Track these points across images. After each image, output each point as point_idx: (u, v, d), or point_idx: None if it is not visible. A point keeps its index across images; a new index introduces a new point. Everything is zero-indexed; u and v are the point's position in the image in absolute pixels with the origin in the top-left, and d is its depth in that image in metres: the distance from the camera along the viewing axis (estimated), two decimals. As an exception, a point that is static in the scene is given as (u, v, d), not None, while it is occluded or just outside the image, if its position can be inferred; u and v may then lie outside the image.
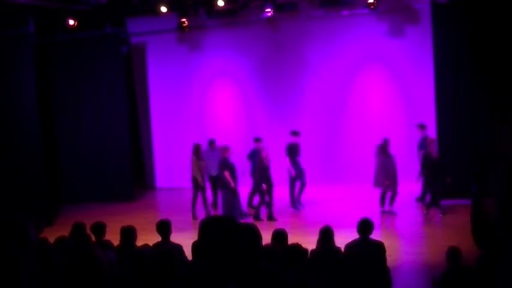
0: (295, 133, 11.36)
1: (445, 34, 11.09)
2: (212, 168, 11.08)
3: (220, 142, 11.75)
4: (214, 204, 11.31)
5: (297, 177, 11.10)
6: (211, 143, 11.47)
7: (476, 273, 4.27)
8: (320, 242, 5.81)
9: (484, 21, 10.64)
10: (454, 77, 11.14)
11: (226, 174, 10.37)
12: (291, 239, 5.63)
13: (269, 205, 10.54)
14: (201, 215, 10.52)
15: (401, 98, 13.17)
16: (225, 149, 10.67)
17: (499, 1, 10.61)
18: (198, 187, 10.99)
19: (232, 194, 10.43)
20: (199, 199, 11.04)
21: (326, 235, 5.75)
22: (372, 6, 11.54)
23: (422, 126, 11.27)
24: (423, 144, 10.76)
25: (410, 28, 12.73)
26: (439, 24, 11.12)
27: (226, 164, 10.49)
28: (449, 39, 11.06)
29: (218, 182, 10.75)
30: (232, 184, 10.35)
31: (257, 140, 11.21)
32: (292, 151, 11.12)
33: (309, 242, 5.99)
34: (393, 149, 12.95)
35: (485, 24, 10.63)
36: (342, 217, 10.42)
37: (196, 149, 11.05)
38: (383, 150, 10.58)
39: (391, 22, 12.83)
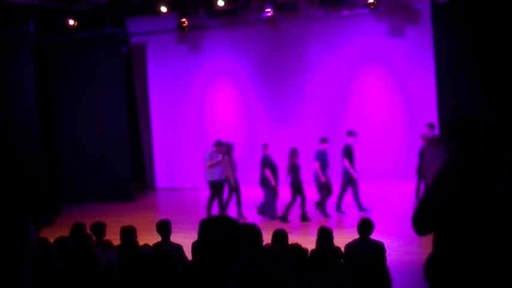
0: (351, 133, 10.71)
1: (445, 34, 11.08)
2: (216, 172, 10.56)
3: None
4: (209, 209, 10.72)
5: (347, 181, 10.44)
6: (218, 144, 10.74)
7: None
8: (318, 242, 5.81)
9: (484, 20, 10.63)
10: (454, 77, 11.13)
11: (267, 172, 10.16)
12: (291, 239, 5.63)
13: (290, 206, 10.29)
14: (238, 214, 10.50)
15: (401, 98, 13.17)
16: (266, 146, 10.38)
17: (499, 1, 10.61)
18: (231, 188, 10.63)
19: (272, 193, 10.26)
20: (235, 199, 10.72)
21: (324, 235, 5.75)
22: (372, 6, 11.53)
23: (432, 126, 11.25)
24: None
25: (410, 28, 12.73)
26: (439, 24, 11.11)
27: (268, 162, 10.23)
28: (449, 39, 11.05)
29: (260, 181, 10.38)
30: (273, 182, 10.14)
31: (323, 140, 10.51)
32: (350, 153, 10.52)
33: (309, 242, 6.00)
34: (393, 149, 12.97)
35: (485, 24, 10.62)
36: (342, 217, 10.42)
37: (229, 149, 10.64)
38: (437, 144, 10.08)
39: (391, 22, 12.83)
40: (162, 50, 14.64)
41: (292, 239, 5.71)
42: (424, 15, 12.14)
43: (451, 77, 11.16)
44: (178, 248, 6.04)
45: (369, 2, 11.45)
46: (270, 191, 10.30)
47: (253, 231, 3.40)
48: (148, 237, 7.33)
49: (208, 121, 14.61)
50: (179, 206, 12.45)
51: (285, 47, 13.71)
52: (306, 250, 5.32)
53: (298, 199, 10.25)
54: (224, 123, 14.46)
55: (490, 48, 10.61)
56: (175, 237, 6.41)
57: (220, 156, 10.51)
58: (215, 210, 10.67)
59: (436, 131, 11.17)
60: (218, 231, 2.68)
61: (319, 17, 13.24)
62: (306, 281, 4.61)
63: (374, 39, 13.02)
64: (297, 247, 5.16)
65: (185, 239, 6.74)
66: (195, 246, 5.49)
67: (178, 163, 14.87)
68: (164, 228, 6.23)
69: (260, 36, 13.73)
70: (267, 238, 4.27)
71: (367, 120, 13.26)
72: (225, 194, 10.81)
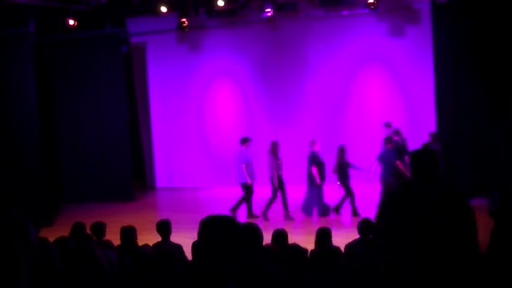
0: (397, 132, 10.83)
1: (445, 34, 11.09)
2: (244, 174, 10.31)
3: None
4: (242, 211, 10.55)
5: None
6: (245, 140, 10.44)
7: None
8: (317, 243, 5.81)
9: (484, 20, 10.64)
10: (454, 76, 11.15)
11: (314, 169, 10.06)
12: (291, 239, 5.63)
13: (353, 201, 10.22)
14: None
15: (401, 98, 13.18)
16: (313, 142, 10.25)
17: (499, 1, 10.61)
18: (275, 188, 10.33)
19: (317, 191, 10.14)
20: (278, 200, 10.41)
21: (323, 236, 5.75)
22: (372, 6, 11.53)
23: (388, 125, 11.33)
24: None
25: (410, 28, 12.74)
26: (439, 24, 11.12)
27: (315, 159, 10.12)
28: (449, 39, 11.06)
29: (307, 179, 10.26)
30: (319, 180, 10.05)
31: (389, 140, 10.23)
32: (399, 151, 10.44)
33: (309, 242, 5.99)
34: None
35: (485, 24, 10.63)
36: (342, 217, 10.41)
37: (274, 147, 10.37)
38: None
39: (391, 22, 12.83)
40: (162, 50, 14.64)
41: (292, 239, 5.71)
42: (424, 15, 12.15)
43: (450, 77, 11.17)
44: (178, 248, 6.04)
45: (369, 2, 11.45)
46: (314, 190, 10.19)
47: (253, 231, 3.39)
48: (148, 237, 7.32)
49: (208, 121, 14.61)
50: (179, 206, 12.44)
51: (285, 47, 13.71)
52: (306, 250, 5.32)
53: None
54: (224, 123, 14.47)
55: (490, 48, 10.62)
56: (175, 237, 6.41)
57: (247, 158, 10.34)
58: (242, 211, 10.56)
59: (392, 130, 11.23)
60: (218, 231, 2.68)
61: (319, 17, 13.24)
62: (306, 281, 4.61)
63: (374, 39, 13.03)
64: (296, 247, 5.16)
65: (185, 239, 6.75)
66: (195, 246, 5.50)
67: (178, 163, 14.86)
68: (164, 228, 6.23)
69: (260, 36, 13.73)
70: (267, 238, 4.27)
71: (367, 120, 13.26)
72: (269, 194, 10.50)
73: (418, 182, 3.59)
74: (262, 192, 10.86)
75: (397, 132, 11.04)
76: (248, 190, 10.41)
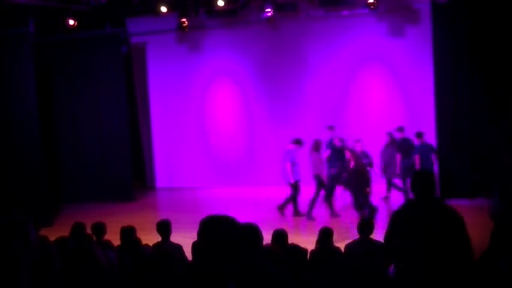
0: (401, 129, 11.20)
1: (445, 34, 11.09)
2: (292, 173, 10.37)
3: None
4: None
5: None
6: (298, 142, 10.52)
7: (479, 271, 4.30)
8: (319, 242, 5.82)
9: (484, 21, 10.64)
10: (454, 77, 11.14)
11: None
12: (291, 239, 5.63)
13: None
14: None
15: (401, 98, 13.18)
16: (357, 142, 10.40)
17: (499, 1, 10.61)
18: (321, 185, 10.33)
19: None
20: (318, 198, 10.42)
21: (325, 235, 5.76)
22: (372, 6, 11.53)
23: (331, 128, 11.40)
24: (330, 144, 10.85)
25: (410, 28, 12.74)
26: (439, 24, 11.12)
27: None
28: (449, 39, 11.06)
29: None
30: None
31: (419, 135, 10.63)
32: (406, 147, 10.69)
33: (309, 242, 6.00)
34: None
35: (485, 24, 10.63)
36: (342, 217, 10.41)
37: (317, 145, 10.43)
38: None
39: (391, 22, 12.83)
40: (162, 50, 14.64)
41: (292, 239, 5.71)
42: (424, 15, 12.15)
43: (450, 77, 11.17)
44: (178, 248, 6.04)
45: (369, 2, 11.44)
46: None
47: (253, 231, 3.39)
48: (148, 237, 7.31)
49: (209, 121, 14.61)
50: (179, 206, 12.45)
51: (285, 47, 13.71)
52: (306, 250, 5.32)
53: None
54: (224, 123, 14.47)
55: (490, 48, 10.62)
56: (175, 237, 6.41)
57: (294, 157, 10.34)
58: (289, 209, 10.63)
59: (336, 133, 11.26)
60: (218, 231, 2.68)
61: (319, 17, 13.24)
62: (306, 281, 4.61)
63: (374, 39, 13.03)
64: (296, 247, 5.17)
65: (185, 239, 6.74)
66: (195, 246, 5.50)
67: (178, 163, 14.87)
68: (164, 228, 6.23)
69: (260, 36, 13.73)
70: (267, 238, 4.27)
71: (367, 120, 13.26)
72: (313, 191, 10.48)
73: (419, 198, 4.23)
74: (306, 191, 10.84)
75: (341, 140, 11.11)
76: (294, 188, 10.47)
